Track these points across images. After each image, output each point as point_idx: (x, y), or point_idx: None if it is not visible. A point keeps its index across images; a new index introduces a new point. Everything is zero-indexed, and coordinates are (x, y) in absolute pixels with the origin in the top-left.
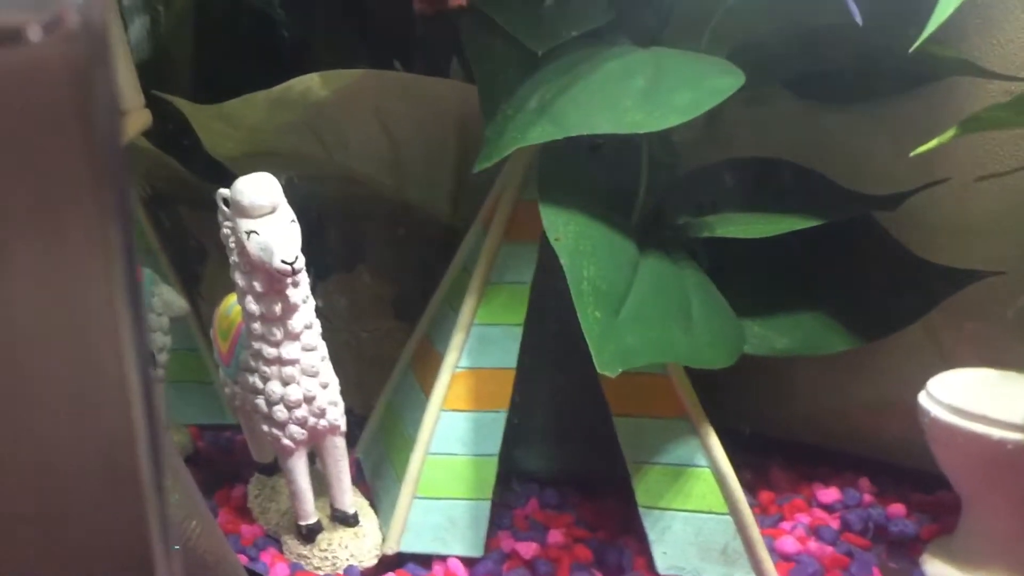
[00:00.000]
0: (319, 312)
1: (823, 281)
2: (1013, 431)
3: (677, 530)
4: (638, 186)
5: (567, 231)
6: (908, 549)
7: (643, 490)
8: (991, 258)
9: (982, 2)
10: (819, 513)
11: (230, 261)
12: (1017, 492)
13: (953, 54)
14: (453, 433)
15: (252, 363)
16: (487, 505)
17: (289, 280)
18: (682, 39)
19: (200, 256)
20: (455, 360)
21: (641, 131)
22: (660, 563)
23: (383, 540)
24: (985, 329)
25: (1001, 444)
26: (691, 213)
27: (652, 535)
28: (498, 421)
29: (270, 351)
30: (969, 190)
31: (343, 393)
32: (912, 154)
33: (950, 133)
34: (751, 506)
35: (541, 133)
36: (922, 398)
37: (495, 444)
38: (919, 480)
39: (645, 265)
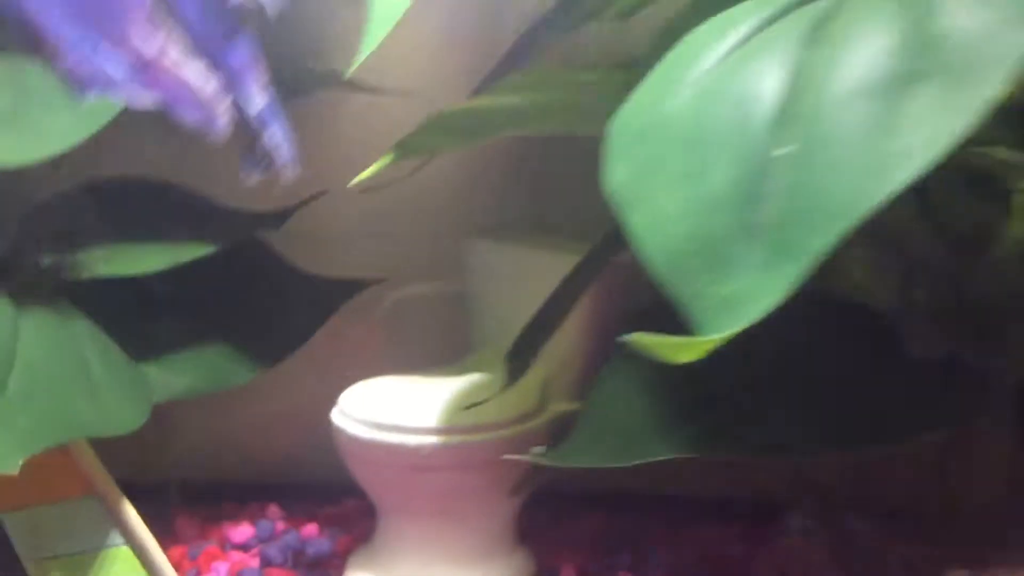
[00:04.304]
0: None
1: (216, 309)
2: (428, 435)
3: None
4: None
5: None
6: (329, 567)
7: None
8: (363, 265)
9: (340, 15)
10: (236, 555)
11: None
12: (431, 495)
13: (323, 68)
14: None
15: None
16: None
17: None
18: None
19: None
20: None
21: (11, 164)
22: None
23: None
24: (360, 334)
25: (417, 451)
26: (56, 250)
27: None
28: None
29: None
30: (338, 202)
31: None
32: (351, 184)
33: (387, 158)
34: None
35: None
36: (336, 416)
37: None
38: (325, 493)
39: (27, 324)
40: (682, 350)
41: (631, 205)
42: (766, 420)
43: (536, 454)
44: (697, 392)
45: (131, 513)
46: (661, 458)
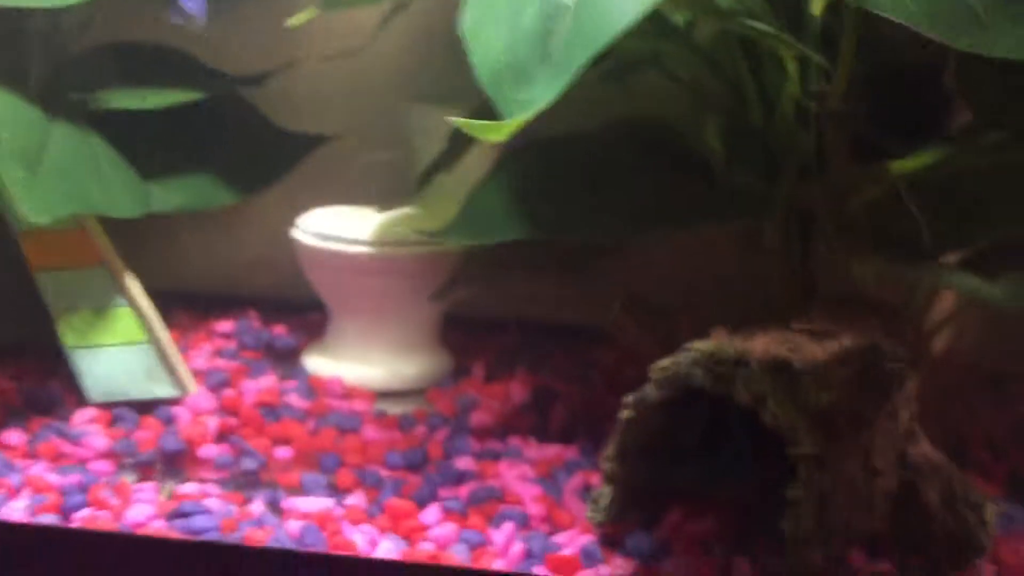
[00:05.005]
0: None
1: (205, 146)
2: (361, 246)
3: (104, 363)
4: (30, 61)
5: None
6: (291, 356)
7: (69, 333)
8: (340, 125)
9: None
10: (219, 341)
11: None
12: (367, 293)
13: None
14: None
15: None
16: None
17: None
18: None
19: None
20: None
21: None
22: (92, 393)
23: None
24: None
25: (355, 256)
26: (85, 89)
27: (82, 368)
28: None
29: None
30: (320, 69)
31: None
32: (288, 23)
33: (312, 12)
34: None
35: None
36: (293, 232)
37: None
38: (293, 309)
39: (55, 130)
40: (491, 131)
41: (473, 41)
42: (590, 215)
43: (423, 231)
44: (540, 194)
45: (132, 282)
46: (509, 239)
